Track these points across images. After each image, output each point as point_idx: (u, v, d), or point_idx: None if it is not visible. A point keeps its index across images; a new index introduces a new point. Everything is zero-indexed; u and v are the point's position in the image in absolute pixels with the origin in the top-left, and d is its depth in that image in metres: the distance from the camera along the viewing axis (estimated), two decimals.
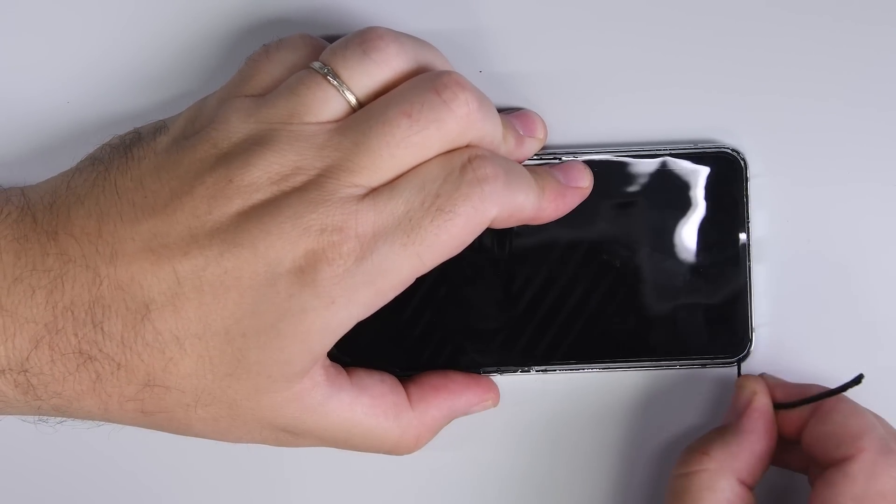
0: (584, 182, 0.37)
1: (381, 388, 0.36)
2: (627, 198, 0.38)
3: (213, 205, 0.33)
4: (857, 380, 0.36)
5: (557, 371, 0.39)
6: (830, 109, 0.39)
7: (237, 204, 0.33)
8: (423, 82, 0.34)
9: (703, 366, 0.39)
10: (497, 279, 0.39)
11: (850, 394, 0.36)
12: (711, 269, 0.38)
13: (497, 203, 0.33)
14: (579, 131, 0.39)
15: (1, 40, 0.39)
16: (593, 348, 0.39)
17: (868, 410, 0.36)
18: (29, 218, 0.33)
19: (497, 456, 0.40)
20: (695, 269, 0.38)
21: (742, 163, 0.38)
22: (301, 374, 0.34)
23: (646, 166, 0.38)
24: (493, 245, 0.38)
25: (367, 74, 0.34)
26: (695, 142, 0.39)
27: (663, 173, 0.38)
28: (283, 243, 0.32)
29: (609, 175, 0.38)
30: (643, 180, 0.38)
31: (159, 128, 0.35)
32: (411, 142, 0.33)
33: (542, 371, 0.39)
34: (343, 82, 0.34)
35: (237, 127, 0.34)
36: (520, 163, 0.37)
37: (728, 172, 0.38)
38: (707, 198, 0.38)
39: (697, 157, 0.38)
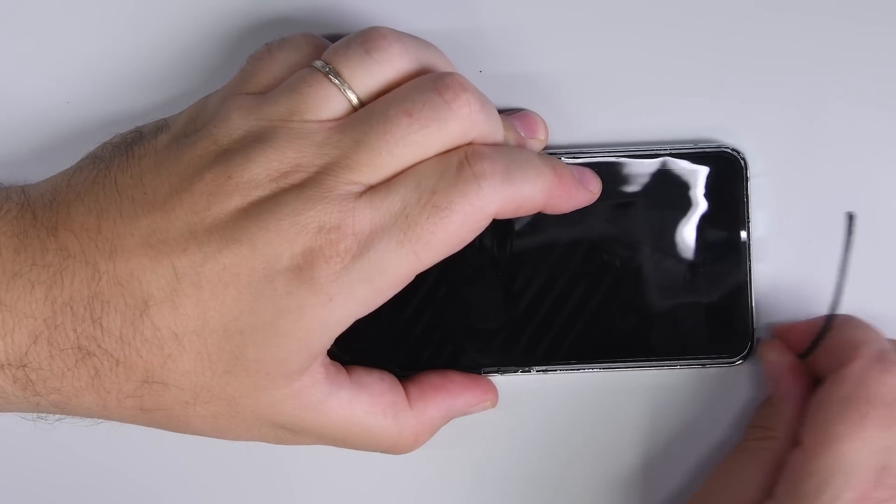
0: (593, 187, 0.37)
1: (381, 386, 0.36)
2: (628, 198, 0.38)
3: (212, 201, 0.33)
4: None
5: (558, 371, 0.39)
6: (830, 109, 0.39)
7: (236, 201, 0.33)
8: (425, 82, 0.34)
9: (704, 365, 0.39)
10: (497, 279, 0.38)
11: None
12: (712, 269, 0.38)
13: (496, 198, 0.33)
14: (580, 132, 0.39)
15: (1, 40, 0.39)
16: (594, 348, 0.39)
17: (872, 327, 0.36)
18: (29, 214, 0.34)
19: (497, 456, 0.40)
20: (695, 268, 0.38)
21: (742, 163, 0.38)
22: (299, 371, 0.34)
23: (646, 166, 0.38)
24: (494, 245, 0.38)
25: (368, 74, 0.34)
26: (695, 142, 0.39)
27: (663, 173, 0.38)
28: (282, 240, 0.32)
29: (609, 175, 0.38)
30: (643, 180, 0.38)
31: (161, 126, 0.36)
32: (411, 140, 0.33)
33: (542, 371, 0.39)
34: (345, 81, 0.34)
35: (237, 124, 0.34)
36: None
37: (728, 172, 0.38)
38: (707, 197, 0.38)
39: (697, 157, 0.38)
